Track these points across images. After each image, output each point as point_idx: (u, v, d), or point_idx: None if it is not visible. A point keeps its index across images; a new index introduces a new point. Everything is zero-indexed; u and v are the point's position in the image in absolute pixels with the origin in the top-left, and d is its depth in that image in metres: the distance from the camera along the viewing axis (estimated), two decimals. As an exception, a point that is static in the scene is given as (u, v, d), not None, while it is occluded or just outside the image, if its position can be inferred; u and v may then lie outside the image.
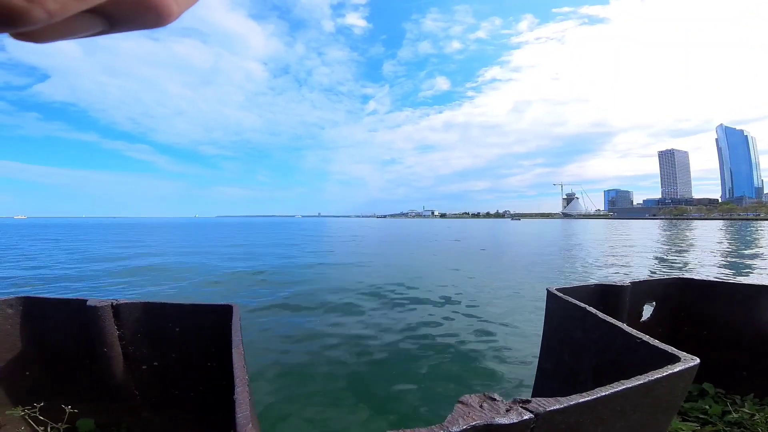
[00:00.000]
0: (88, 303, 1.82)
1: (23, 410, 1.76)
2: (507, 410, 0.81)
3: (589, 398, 0.90)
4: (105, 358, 1.84)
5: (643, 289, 2.54)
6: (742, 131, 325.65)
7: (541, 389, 2.21)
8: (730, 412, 2.10)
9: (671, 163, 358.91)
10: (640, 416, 1.07)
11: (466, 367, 3.73)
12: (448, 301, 6.75)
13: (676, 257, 14.27)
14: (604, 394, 0.93)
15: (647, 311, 2.59)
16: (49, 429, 1.77)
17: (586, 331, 1.72)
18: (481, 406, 0.81)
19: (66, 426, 1.78)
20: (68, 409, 1.77)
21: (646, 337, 1.34)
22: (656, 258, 14.12)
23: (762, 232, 35.90)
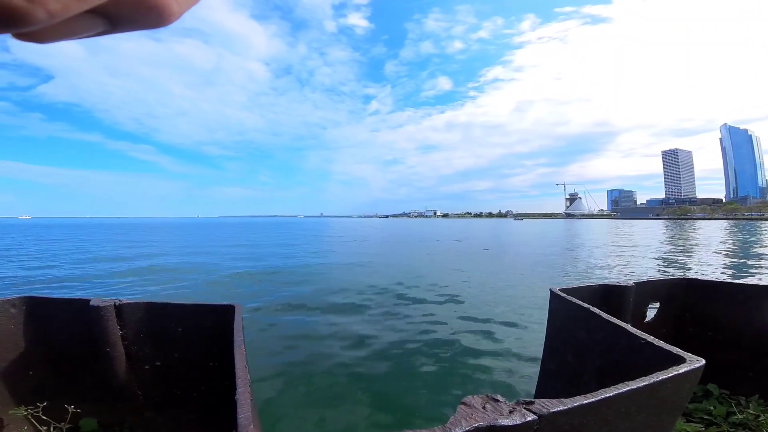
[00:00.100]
0: (91, 303, 1.82)
1: (26, 410, 1.76)
2: (510, 411, 0.80)
3: (593, 399, 0.89)
4: (108, 358, 1.84)
5: (647, 290, 2.52)
6: (746, 131, 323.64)
7: (544, 390, 2.20)
8: (734, 413, 2.08)
9: (675, 162, 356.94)
10: (644, 417, 1.06)
11: (468, 368, 3.72)
12: (450, 301, 6.74)
13: (679, 257, 14.20)
14: (608, 395, 0.92)
15: (651, 312, 2.57)
16: (52, 429, 1.77)
17: (590, 331, 1.70)
18: (484, 408, 0.81)
19: (69, 426, 1.78)
20: (71, 408, 1.78)
21: (650, 338, 1.33)
22: (660, 258, 14.05)
23: (767, 232, 35.66)
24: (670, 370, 1.07)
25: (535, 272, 10.46)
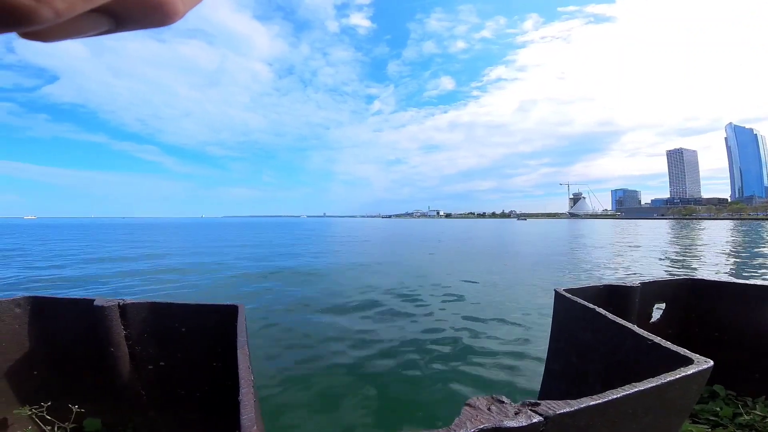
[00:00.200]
0: (95, 303, 1.83)
1: (30, 409, 1.77)
2: (516, 413, 0.79)
3: (600, 401, 0.88)
4: (112, 357, 1.85)
5: (653, 290, 2.50)
6: (751, 130, 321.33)
7: (548, 391, 2.19)
8: (741, 414, 2.07)
9: (680, 162, 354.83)
10: (651, 419, 1.04)
11: (472, 369, 3.70)
12: (453, 301, 6.73)
13: (685, 258, 14.11)
14: (615, 396, 0.91)
15: (657, 312, 2.55)
16: (56, 428, 1.78)
17: (595, 332, 1.69)
18: (489, 409, 0.80)
19: (73, 425, 1.79)
20: (75, 408, 1.78)
21: (657, 339, 1.32)
22: (665, 259, 13.96)
23: (773, 231, 35.39)
24: (677, 371, 1.06)
25: (538, 272, 10.42)
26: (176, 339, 1.91)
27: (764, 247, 18.42)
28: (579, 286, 2.25)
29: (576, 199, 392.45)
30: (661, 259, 13.63)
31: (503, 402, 0.82)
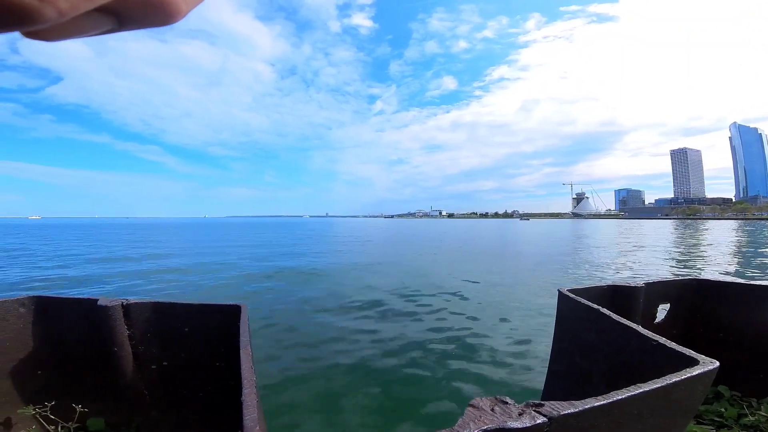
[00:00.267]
0: (99, 302, 1.83)
1: (34, 409, 1.78)
2: (519, 414, 0.79)
3: (604, 402, 0.88)
4: (115, 357, 1.85)
5: (657, 290, 2.49)
6: (756, 129, 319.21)
7: (551, 391, 2.18)
8: (746, 415, 2.05)
9: (684, 161, 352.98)
10: (656, 420, 1.04)
11: (475, 369, 3.70)
12: (456, 301, 6.72)
13: (689, 258, 14.03)
14: (620, 397, 0.90)
15: (661, 313, 2.54)
16: (59, 428, 1.78)
17: (599, 332, 1.68)
18: (492, 410, 0.79)
19: (76, 425, 1.79)
20: (79, 408, 1.79)
21: (662, 340, 1.31)
22: (669, 259, 13.90)
23: (778, 231, 35.14)
24: (683, 372, 1.05)
25: (541, 273, 10.39)
26: (179, 339, 1.91)
27: (769, 247, 18.30)
28: (583, 287, 2.25)
29: (579, 199, 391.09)
30: (665, 260, 13.57)
31: (507, 403, 0.82)
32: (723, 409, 2.11)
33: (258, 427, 0.83)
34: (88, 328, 1.90)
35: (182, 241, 25.59)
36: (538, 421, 0.77)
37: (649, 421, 1.01)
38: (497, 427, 0.74)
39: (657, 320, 2.51)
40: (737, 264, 12.24)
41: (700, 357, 1.14)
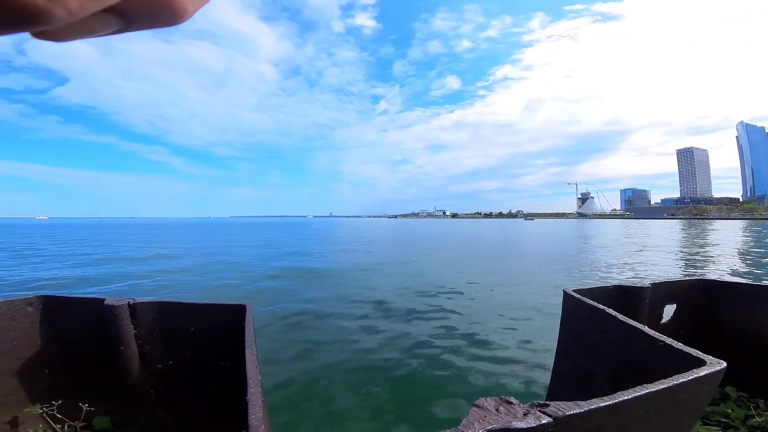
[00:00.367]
0: (105, 302, 1.85)
1: (41, 408, 1.79)
2: (524, 414, 0.78)
3: (610, 402, 0.87)
4: (121, 356, 1.87)
5: (664, 291, 2.47)
6: (763, 128, 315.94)
7: (556, 392, 2.17)
8: (753, 416, 2.04)
9: (690, 161, 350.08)
10: (662, 421, 1.03)
11: (479, 369, 3.68)
12: (459, 301, 6.70)
13: (696, 258, 13.91)
14: (626, 398, 0.90)
15: (667, 313, 2.52)
16: (66, 427, 1.80)
17: (605, 333, 1.67)
18: (497, 410, 0.79)
19: (83, 424, 1.81)
20: (85, 407, 1.80)
21: (669, 340, 1.30)
22: (676, 259, 13.78)
23: (786, 231, 34.73)
24: (690, 372, 1.04)
25: (546, 273, 10.34)
26: (185, 338, 1.92)
27: (777, 247, 18.09)
28: (588, 287, 2.23)
29: (584, 198, 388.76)
30: (671, 260, 13.45)
31: (512, 403, 0.82)
32: (730, 410, 2.09)
33: (263, 427, 0.83)
34: (94, 328, 1.91)
35: (187, 241, 25.70)
36: (543, 422, 0.77)
37: (655, 421, 1.00)
38: (502, 427, 0.73)
39: (663, 321, 2.49)
40: (745, 264, 12.10)
41: (707, 358, 1.13)
